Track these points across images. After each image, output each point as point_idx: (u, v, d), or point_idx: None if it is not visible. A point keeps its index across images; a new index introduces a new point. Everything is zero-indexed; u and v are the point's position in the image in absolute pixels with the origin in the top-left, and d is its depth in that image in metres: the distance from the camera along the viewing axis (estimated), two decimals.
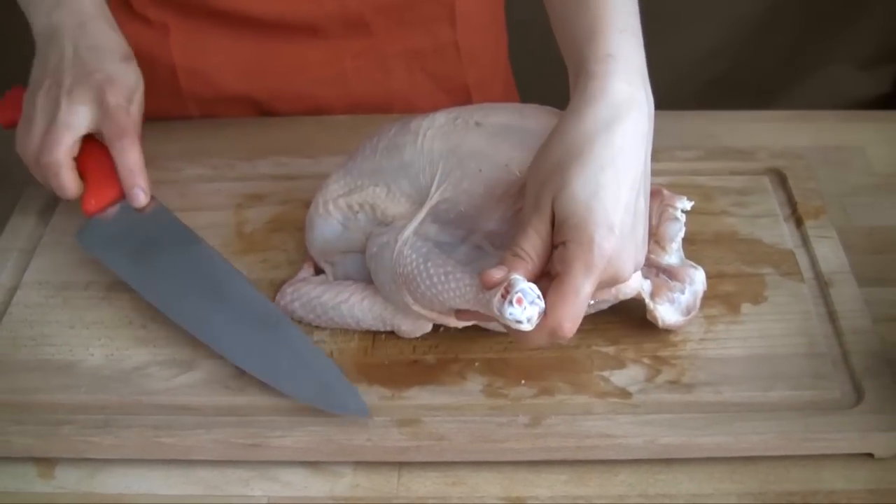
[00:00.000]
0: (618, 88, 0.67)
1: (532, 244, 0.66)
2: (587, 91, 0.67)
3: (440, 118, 0.77)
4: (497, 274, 0.65)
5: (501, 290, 0.64)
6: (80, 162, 0.84)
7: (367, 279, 0.79)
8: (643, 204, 0.68)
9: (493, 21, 1.09)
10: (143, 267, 0.80)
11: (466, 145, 0.75)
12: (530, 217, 0.67)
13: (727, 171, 0.91)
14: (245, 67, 1.00)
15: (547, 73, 1.27)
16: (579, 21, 0.71)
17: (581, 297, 0.64)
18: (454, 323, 0.74)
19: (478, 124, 0.76)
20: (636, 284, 0.74)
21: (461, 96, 1.07)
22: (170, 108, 1.01)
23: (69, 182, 0.82)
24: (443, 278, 0.70)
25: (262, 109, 1.04)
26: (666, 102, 1.01)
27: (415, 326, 0.76)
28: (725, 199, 0.89)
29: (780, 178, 0.91)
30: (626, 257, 0.66)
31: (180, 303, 0.78)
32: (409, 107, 1.03)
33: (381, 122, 0.83)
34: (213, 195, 0.91)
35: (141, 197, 0.81)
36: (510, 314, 0.63)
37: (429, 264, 0.71)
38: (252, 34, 0.98)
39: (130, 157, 0.81)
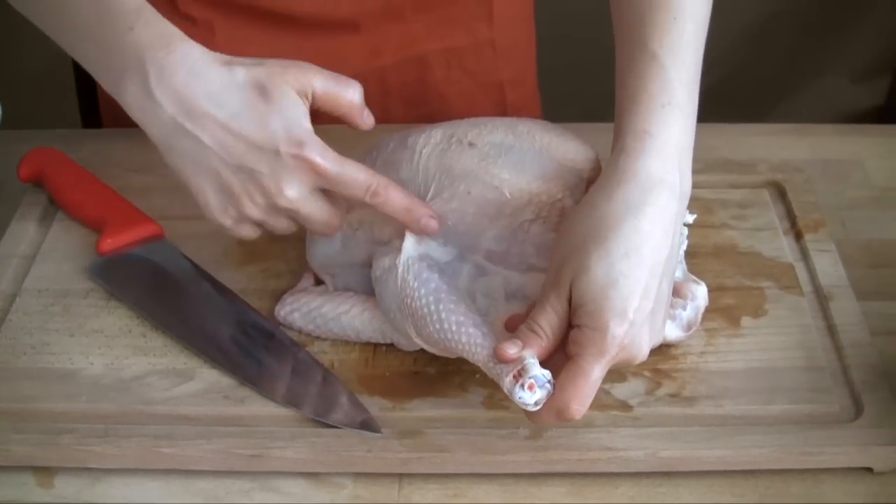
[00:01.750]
0: (650, 169, 0.67)
1: (549, 321, 0.67)
2: (618, 168, 0.68)
3: (436, 135, 0.78)
4: (511, 350, 0.66)
5: (514, 371, 0.65)
6: (98, 204, 0.86)
7: (367, 291, 0.79)
8: (666, 287, 0.67)
9: (525, 19, 1.11)
10: (154, 301, 0.81)
11: (459, 166, 0.75)
12: (549, 294, 0.67)
13: (727, 184, 0.92)
14: None
15: (567, 75, 1.27)
16: (625, 85, 0.70)
17: (591, 381, 0.65)
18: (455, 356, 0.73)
19: (471, 144, 0.76)
20: None
21: (496, 93, 1.08)
22: None
23: (325, 208, 0.73)
24: (454, 328, 0.69)
25: None
26: None
27: (415, 341, 0.76)
28: (725, 212, 0.89)
29: (780, 192, 0.91)
30: (640, 342, 0.66)
31: (199, 338, 0.78)
32: (445, 103, 1.04)
33: (378, 134, 0.83)
34: None
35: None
36: (520, 398, 0.65)
37: (440, 307, 0.70)
38: (294, 31, 0.98)
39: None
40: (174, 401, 0.74)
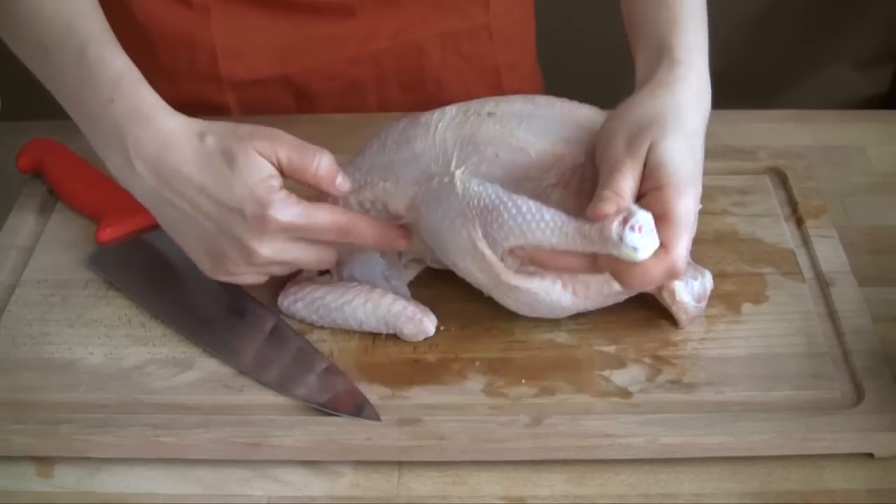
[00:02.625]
0: (700, 77, 0.74)
1: (627, 185, 0.68)
2: (675, 72, 0.73)
3: (451, 111, 0.78)
4: (608, 206, 0.66)
5: (621, 217, 0.65)
6: (97, 194, 0.87)
7: (371, 282, 0.79)
8: None
9: (524, 4, 1.11)
10: (153, 290, 0.81)
11: (481, 133, 0.76)
12: (624, 159, 0.69)
13: (728, 171, 0.91)
14: (282, 48, 1.01)
15: (568, 57, 1.27)
16: (660, 16, 0.77)
17: (690, 234, 0.68)
18: (506, 276, 0.73)
19: (490, 114, 0.77)
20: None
21: (492, 77, 1.08)
22: (209, 92, 1.02)
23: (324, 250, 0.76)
24: (534, 210, 0.69)
25: (297, 90, 1.04)
26: None
27: (417, 330, 0.76)
28: (726, 198, 0.89)
29: (781, 178, 0.91)
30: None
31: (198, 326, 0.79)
32: (442, 88, 1.04)
33: (382, 121, 0.83)
34: None
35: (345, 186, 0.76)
36: (630, 240, 0.64)
37: (513, 196, 0.70)
38: (290, 15, 0.99)
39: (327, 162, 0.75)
40: (173, 390, 0.74)
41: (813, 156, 0.93)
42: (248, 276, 0.75)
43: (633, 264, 0.65)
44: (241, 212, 0.71)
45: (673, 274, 0.67)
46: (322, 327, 0.78)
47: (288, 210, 0.71)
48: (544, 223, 0.68)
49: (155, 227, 0.85)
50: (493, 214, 0.70)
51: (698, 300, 0.77)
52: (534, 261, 0.71)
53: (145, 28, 0.97)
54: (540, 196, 0.73)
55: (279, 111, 1.03)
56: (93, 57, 0.73)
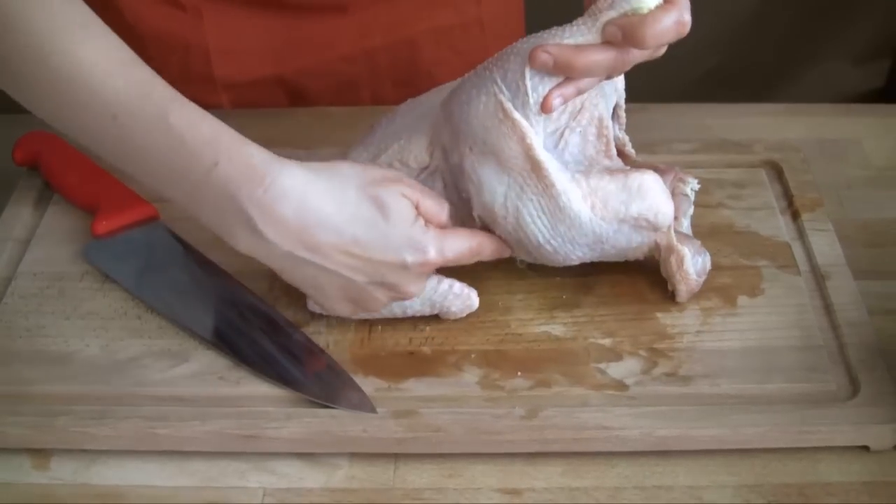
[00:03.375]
0: None
1: None
2: None
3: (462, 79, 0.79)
4: None
5: None
6: (93, 186, 0.86)
7: None
8: None
9: None
10: (150, 282, 0.81)
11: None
12: None
13: (723, 164, 0.91)
14: (276, 48, 1.00)
15: None
16: None
17: None
18: (537, 148, 0.72)
19: None
20: (670, 211, 0.75)
21: None
22: (203, 95, 1.01)
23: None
24: (542, 33, 0.72)
25: (291, 89, 1.04)
26: (662, 95, 1.02)
27: (464, 306, 0.76)
28: (722, 191, 0.89)
29: (777, 171, 0.91)
30: None
31: (194, 317, 0.79)
32: (435, 84, 1.04)
33: (378, 113, 0.83)
34: None
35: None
36: None
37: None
38: (282, 15, 0.98)
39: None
40: (169, 382, 0.74)
41: (809, 149, 0.93)
42: (362, 313, 0.75)
43: (645, 18, 0.67)
44: (401, 263, 0.70)
45: (681, 24, 0.68)
46: (317, 318, 0.78)
47: (444, 248, 0.71)
48: (553, 30, 0.71)
49: (151, 219, 0.86)
50: (507, 51, 0.73)
51: (699, 275, 0.77)
52: (559, 64, 0.70)
53: (136, 31, 0.96)
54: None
55: None
56: (178, 119, 0.67)
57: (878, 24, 1.93)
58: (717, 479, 0.69)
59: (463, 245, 0.74)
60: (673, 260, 0.76)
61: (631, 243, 0.76)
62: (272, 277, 0.81)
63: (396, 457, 0.71)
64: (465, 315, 0.77)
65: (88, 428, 0.70)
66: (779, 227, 0.85)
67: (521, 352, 0.76)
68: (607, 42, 0.70)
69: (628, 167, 0.76)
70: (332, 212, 0.68)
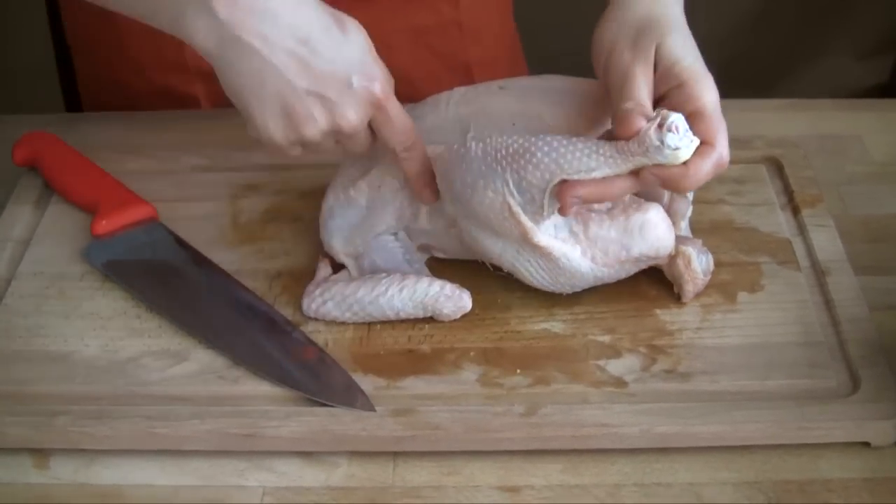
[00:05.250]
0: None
1: (644, 91, 0.68)
2: None
3: (460, 90, 0.80)
4: (636, 118, 0.66)
5: (655, 123, 0.65)
6: (93, 187, 0.87)
7: (397, 268, 0.79)
8: None
9: (498, 2, 1.09)
10: (149, 282, 0.81)
11: (495, 105, 0.78)
12: (634, 66, 0.69)
13: None
14: None
15: (556, 53, 1.27)
16: None
17: (725, 124, 0.68)
18: (534, 234, 0.73)
19: (501, 88, 0.79)
20: (671, 243, 0.76)
21: (463, 74, 1.07)
22: (177, 83, 1.01)
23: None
24: (565, 143, 0.69)
25: None
26: None
27: (457, 307, 0.76)
28: (722, 187, 0.88)
29: (777, 167, 0.90)
30: None
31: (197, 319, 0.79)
32: (412, 84, 1.03)
33: None
34: (208, 185, 0.91)
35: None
36: (671, 142, 0.65)
37: (540, 136, 0.70)
38: None
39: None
40: (168, 381, 0.74)
41: (809, 145, 0.93)
42: (297, 149, 0.73)
43: (687, 171, 0.66)
44: (347, 78, 0.68)
45: (721, 165, 0.68)
46: (315, 319, 0.78)
47: (388, 92, 0.70)
48: (579, 151, 0.69)
49: (150, 219, 0.86)
50: (525, 157, 0.70)
51: (704, 274, 0.77)
52: (587, 199, 0.70)
53: (112, 17, 0.95)
54: None
55: None
56: None
57: (881, 19, 1.93)
58: (718, 475, 0.69)
59: (406, 122, 0.73)
60: (680, 262, 0.76)
61: (631, 272, 0.77)
62: (272, 277, 0.81)
63: (395, 455, 0.71)
64: (458, 316, 0.77)
65: (88, 427, 0.71)
66: (779, 223, 0.85)
67: (520, 349, 0.76)
68: (638, 177, 0.69)
69: (629, 202, 0.76)
70: (291, 5, 0.68)
